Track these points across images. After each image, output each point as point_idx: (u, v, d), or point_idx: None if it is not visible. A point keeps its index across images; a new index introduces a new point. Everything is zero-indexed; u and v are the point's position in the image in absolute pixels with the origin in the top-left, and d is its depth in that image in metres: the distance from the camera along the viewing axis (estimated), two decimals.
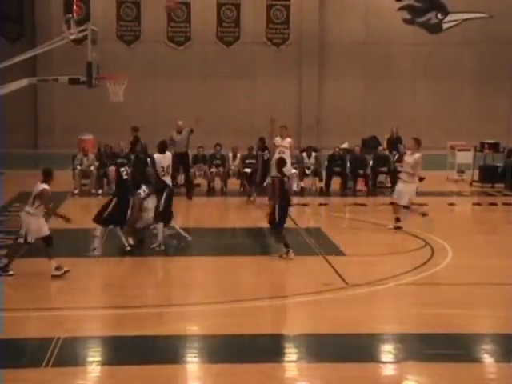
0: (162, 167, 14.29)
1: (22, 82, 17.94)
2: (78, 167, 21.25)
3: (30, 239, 12.19)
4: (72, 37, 17.45)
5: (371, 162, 21.93)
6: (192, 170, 21.38)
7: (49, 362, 8.47)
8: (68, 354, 8.78)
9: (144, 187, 14.44)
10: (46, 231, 12.32)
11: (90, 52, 17.01)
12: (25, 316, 10.10)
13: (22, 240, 12.22)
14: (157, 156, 14.46)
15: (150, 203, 14.33)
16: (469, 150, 24.23)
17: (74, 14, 17.36)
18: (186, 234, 14.92)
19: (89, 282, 12.44)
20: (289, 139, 18.86)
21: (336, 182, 21.60)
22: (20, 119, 31.63)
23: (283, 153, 18.58)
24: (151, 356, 8.75)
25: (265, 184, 18.72)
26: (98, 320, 10.38)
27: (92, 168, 21.17)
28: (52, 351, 8.74)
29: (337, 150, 22.14)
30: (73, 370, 8.39)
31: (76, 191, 20.94)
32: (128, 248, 13.81)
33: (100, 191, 20.62)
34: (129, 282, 12.29)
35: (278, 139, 19.16)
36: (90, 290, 11.93)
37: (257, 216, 18.67)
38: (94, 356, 8.92)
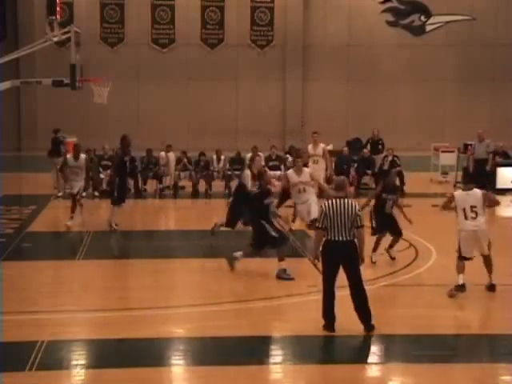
0: None
1: (5, 85, 17.83)
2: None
3: None
4: (55, 39, 17.36)
5: (355, 164, 22.03)
6: (176, 173, 21.56)
7: (33, 365, 8.43)
8: (52, 358, 8.73)
9: None
10: None
11: (74, 54, 16.93)
12: (8, 319, 10.02)
13: None
14: None
15: None
16: (452, 151, 24.36)
17: (58, 16, 17.24)
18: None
19: (73, 284, 12.40)
20: (322, 145, 18.63)
21: None
22: (3, 122, 31.44)
23: (317, 162, 18.33)
24: (136, 359, 8.73)
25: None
26: (83, 323, 10.34)
27: None
28: (36, 355, 8.69)
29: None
30: (57, 374, 8.35)
31: (60, 194, 20.86)
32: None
33: (84, 194, 20.52)
34: (113, 284, 12.25)
35: (309, 147, 18.78)
36: (74, 292, 11.88)
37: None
38: (79, 359, 8.88)
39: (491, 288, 11.62)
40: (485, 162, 20.79)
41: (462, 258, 11.53)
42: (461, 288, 11.37)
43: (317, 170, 18.37)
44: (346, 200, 9.70)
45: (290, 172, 15.34)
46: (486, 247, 11.63)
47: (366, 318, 9.62)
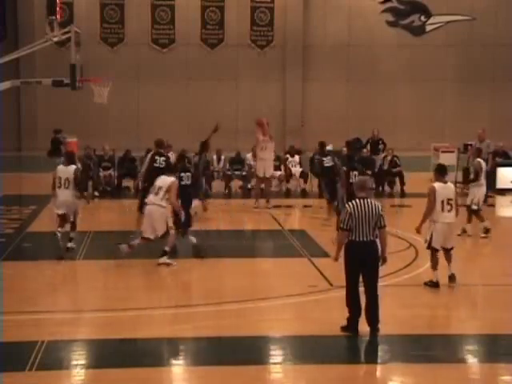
0: None
1: (5, 85, 17.83)
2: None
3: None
4: (55, 39, 17.37)
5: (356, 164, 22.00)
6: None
7: (33, 365, 8.43)
8: (52, 358, 8.73)
9: None
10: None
11: (74, 54, 16.94)
12: (8, 319, 10.02)
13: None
14: None
15: None
16: (452, 151, 24.34)
17: (58, 16, 17.24)
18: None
19: (73, 284, 12.40)
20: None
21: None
22: (3, 122, 31.45)
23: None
24: (136, 359, 8.72)
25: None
26: (83, 323, 10.34)
27: None
28: (36, 355, 8.69)
29: (318, 148, 22.19)
30: (57, 374, 8.35)
31: None
32: None
33: (84, 194, 20.53)
34: (113, 284, 12.25)
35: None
36: (74, 292, 11.89)
37: (242, 218, 18.71)
38: (79, 359, 8.88)
39: (452, 278, 11.72)
40: (485, 163, 20.72)
41: (434, 251, 11.65)
42: (435, 284, 11.51)
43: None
44: (369, 200, 9.65)
45: None
46: (454, 240, 11.90)
47: (374, 321, 9.58)
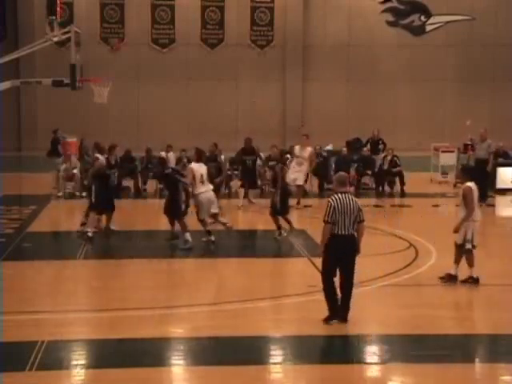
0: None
1: (5, 85, 17.83)
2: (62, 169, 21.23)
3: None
4: (55, 39, 17.35)
5: (356, 164, 22.05)
6: None
7: (33, 365, 8.42)
8: (52, 358, 8.73)
9: None
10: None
11: (74, 54, 16.93)
12: (8, 319, 10.02)
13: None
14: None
15: None
16: (452, 151, 24.36)
17: (58, 16, 17.24)
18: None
19: (73, 284, 12.40)
20: (310, 148, 19.24)
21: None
22: (3, 122, 31.45)
23: (301, 164, 18.98)
24: (136, 359, 8.72)
25: None
26: (83, 323, 10.34)
27: (75, 171, 21.10)
28: (36, 355, 8.69)
29: (317, 147, 22.22)
30: (57, 374, 8.35)
31: (60, 194, 20.86)
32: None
33: (84, 194, 20.54)
34: (113, 284, 12.25)
35: (297, 148, 19.41)
36: (74, 292, 11.89)
37: (242, 218, 18.72)
38: (79, 359, 8.88)
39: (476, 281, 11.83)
40: (485, 163, 20.78)
41: (472, 248, 11.74)
42: (476, 281, 11.70)
43: (298, 171, 18.88)
44: (349, 195, 9.94)
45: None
46: None
47: (345, 308, 9.92)
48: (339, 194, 9.86)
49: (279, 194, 15.28)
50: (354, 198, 9.95)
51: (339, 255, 9.85)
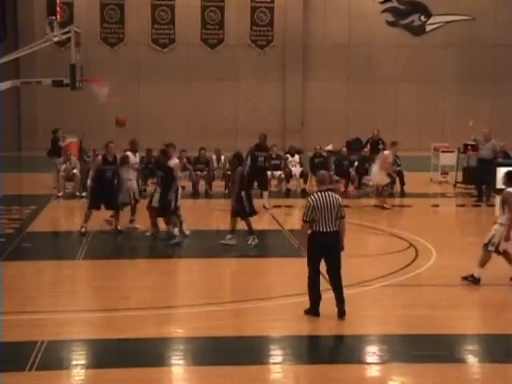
0: None
1: (5, 85, 17.83)
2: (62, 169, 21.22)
3: None
4: (55, 39, 17.37)
5: (356, 164, 22.03)
6: None
7: (33, 365, 8.43)
8: (52, 358, 8.73)
9: None
10: None
11: (74, 54, 16.94)
12: (8, 319, 10.02)
13: None
14: None
15: None
16: (452, 151, 24.36)
17: (58, 16, 17.25)
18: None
19: (73, 284, 12.40)
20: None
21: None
22: (3, 122, 31.46)
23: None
24: (136, 359, 8.72)
25: None
26: (83, 323, 10.33)
27: (75, 171, 21.10)
28: (36, 355, 8.69)
29: (317, 148, 22.22)
30: (57, 374, 8.35)
31: (60, 194, 20.86)
32: None
33: (84, 193, 20.54)
34: (113, 284, 12.25)
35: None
36: (74, 292, 11.89)
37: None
38: (79, 359, 8.88)
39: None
40: (490, 162, 20.73)
41: (495, 252, 11.79)
42: (477, 280, 11.79)
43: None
44: (329, 193, 10.19)
45: None
46: None
47: (341, 301, 10.08)
48: (319, 193, 10.13)
49: (245, 195, 15.13)
50: (334, 195, 10.18)
51: (322, 251, 10.09)
